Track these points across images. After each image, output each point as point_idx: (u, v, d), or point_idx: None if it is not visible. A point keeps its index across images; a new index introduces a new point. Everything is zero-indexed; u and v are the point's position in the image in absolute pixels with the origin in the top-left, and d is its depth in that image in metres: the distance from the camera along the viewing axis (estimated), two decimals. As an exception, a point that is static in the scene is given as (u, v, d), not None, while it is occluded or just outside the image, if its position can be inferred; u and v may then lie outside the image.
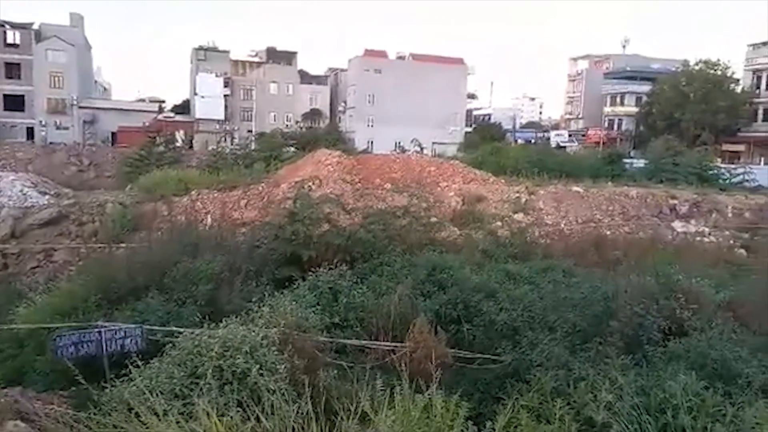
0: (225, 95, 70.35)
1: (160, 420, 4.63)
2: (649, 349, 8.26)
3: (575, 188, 25.26)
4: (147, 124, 58.62)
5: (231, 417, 4.77)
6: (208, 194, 21.87)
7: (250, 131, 66.17)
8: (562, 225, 22.74)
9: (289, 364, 6.30)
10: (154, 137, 38.93)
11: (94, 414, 5.28)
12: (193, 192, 21.97)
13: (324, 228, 15.36)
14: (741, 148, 58.80)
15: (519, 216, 22.75)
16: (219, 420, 4.58)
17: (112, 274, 11.84)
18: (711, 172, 32.37)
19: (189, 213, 20.16)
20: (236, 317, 7.65)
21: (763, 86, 60.65)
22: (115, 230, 19.48)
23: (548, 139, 71.09)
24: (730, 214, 24.94)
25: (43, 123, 62.01)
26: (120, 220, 19.99)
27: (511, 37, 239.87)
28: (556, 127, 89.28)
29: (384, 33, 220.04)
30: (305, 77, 77.35)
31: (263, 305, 8.48)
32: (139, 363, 6.11)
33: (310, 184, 21.15)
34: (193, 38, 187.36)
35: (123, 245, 17.34)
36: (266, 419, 4.73)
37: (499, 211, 22.71)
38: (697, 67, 61.97)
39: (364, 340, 9.52)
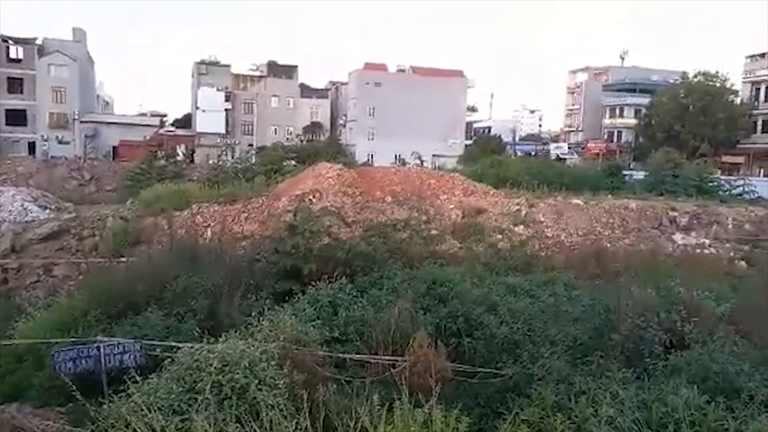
0: (226, 109, 70.68)
1: (157, 436, 4.60)
2: (650, 362, 8.23)
3: (575, 201, 25.25)
4: (148, 138, 58.92)
5: (229, 433, 4.74)
6: (208, 208, 21.89)
7: (251, 145, 66.37)
8: (563, 237, 22.71)
9: (288, 378, 6.28)
10: (156, 151, 39.13)
11: (92, 430, 5.26)
12: (193, 206, 21.98)
13: (324, 241, 15.35)
14: (740, 159, 58.90)
15: (519, 229, 22.73)
16: (217, 436, 4.56)
17: (112, 289, 11.81)
18: (711, 183, 32.37)
19: (189, 227, 20.15)
20: (236, 331, 7.65)
21: (761, 98, 60.86)
22: (116, 244, 19.48)
23: (548, 151, 71.19)
24: (730, 226, 24.90)
25: (45, 137, 62.24)
26: (120, 235, 20.00)
27: (511, 48, 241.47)
28: (555, 139, 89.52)
29: (383, 43, 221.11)
30: (306, 90, 77.77)
31: (263, 319, 8.49)
32: (138, 378, 6.09)
33: (311, 197, 21.19)
34: (194, 51, 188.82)
35: (123, 259, 17.34)
36: (264, 435, 4.70)
37: (499, 223, 22.70)
38: (696, 79, 62.22)
39: (364, 354, 9.47)
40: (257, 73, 77.11)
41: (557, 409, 6.38)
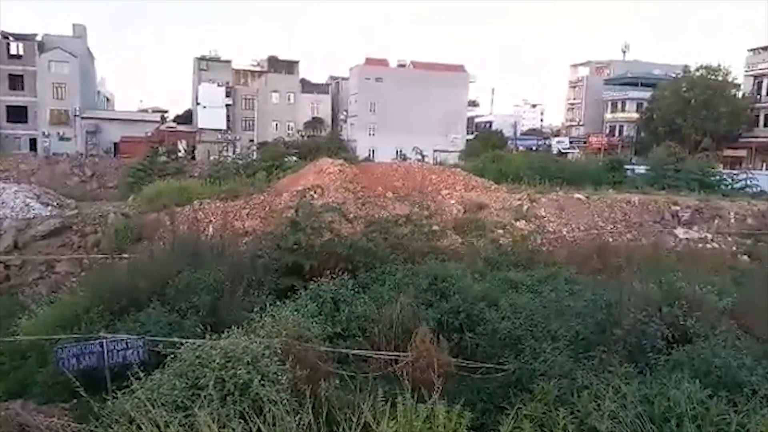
0: (227, 105, 70.67)
1: (161, 432, 4.62)
2: (652, 357, 8.23)
3: (577, 195, 25.22)
4: (149, 134, 58.86)
5: (233, 429, 4.76)
6: (210, 204, 21.90)
7: (252, 140, 66.40)
8: (564, 232, 22.70)
9: (290, 374, 6.29)
10: (157, 147, 39.09)
11: (96, 427, 5.28)
12: (195, 202, 21.99)
13: (326, 237, 15.36)
14: (742, 153, 58.80)
15: (521, 224, 22.71)
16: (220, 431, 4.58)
17: (115, 285, 11.83)
18: (713, 178, 32.31)
19: (191, 223, 20.15)
20: (238, 327, 7.66)
21: (763, 92, 60.65)
22: (118, 241, 19.50)
23: (549, 146, 71.14)
24: (732, 220, 24.88)
25: (46, 134, 62.28)
26: (122, 231, 20.01)
27: (512, 43, 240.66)
28: (557, 133, 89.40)
29: (384, 38, 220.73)
30: (306, 86, 77.68)
31: (265, 315, 8.50)
32: (141, 374, 6.11)
33: (312, 193, 21.15)
34: (195, 47, 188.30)
35: (125, 256, 17.37)
36: (268, 431, 4.71)
37: (501, 218, 22.68)
38: (698, 73, 62.06)
39: (366, 349, 9.49)
40: (258, 69, 77.04)
41: (560, 404, 6.38)
